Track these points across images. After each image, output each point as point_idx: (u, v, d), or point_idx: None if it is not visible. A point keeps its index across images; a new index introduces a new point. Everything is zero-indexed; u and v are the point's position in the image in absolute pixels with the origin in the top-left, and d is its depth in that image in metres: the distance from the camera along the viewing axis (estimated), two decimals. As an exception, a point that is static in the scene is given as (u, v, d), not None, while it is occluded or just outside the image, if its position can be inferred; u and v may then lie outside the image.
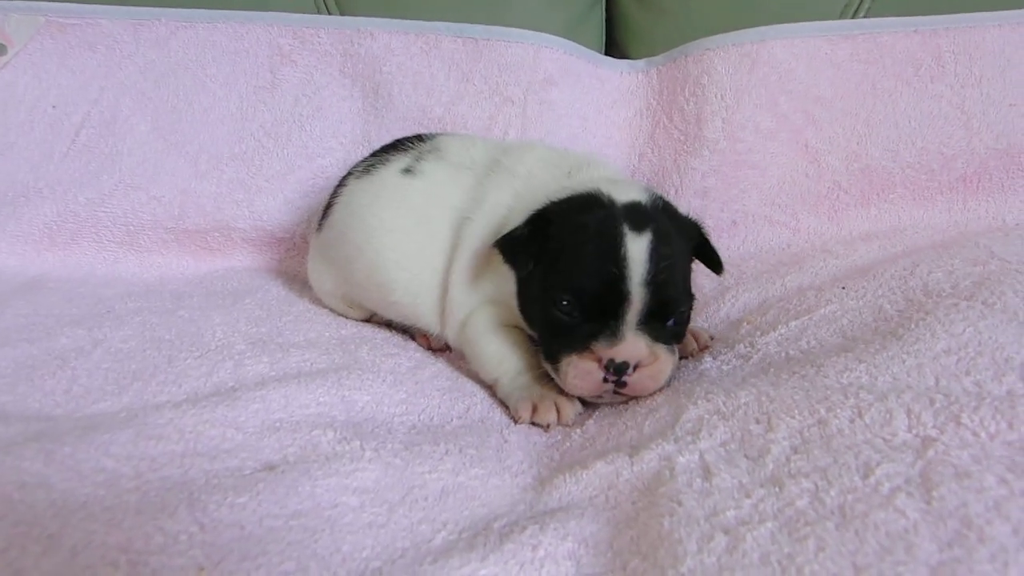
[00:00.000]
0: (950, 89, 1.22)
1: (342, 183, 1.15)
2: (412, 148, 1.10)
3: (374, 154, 1.15)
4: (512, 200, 0.98)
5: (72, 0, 1.37)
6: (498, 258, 0.91)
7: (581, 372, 0.83)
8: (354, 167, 1.15)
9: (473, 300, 0.98)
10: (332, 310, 1.17)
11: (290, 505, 0.61)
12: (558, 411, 0.85)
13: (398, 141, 1.14)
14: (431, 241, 1.01)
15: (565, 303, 0.83)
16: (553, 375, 0.87)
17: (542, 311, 0.87)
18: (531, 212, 0.90)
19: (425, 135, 1.13)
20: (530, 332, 0.94)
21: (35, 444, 0.67)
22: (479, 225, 0.98)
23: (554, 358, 0.85)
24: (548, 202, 0.90)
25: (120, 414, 0.76)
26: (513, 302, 0.93)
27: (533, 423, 0.85)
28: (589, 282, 0.83)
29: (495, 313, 0.97)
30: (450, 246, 1.00)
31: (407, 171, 1.06)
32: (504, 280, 0.94)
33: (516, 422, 0.86)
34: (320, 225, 1.17)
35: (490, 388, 0.95)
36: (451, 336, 1.01)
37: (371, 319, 1.15)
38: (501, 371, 0.93)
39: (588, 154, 1.06)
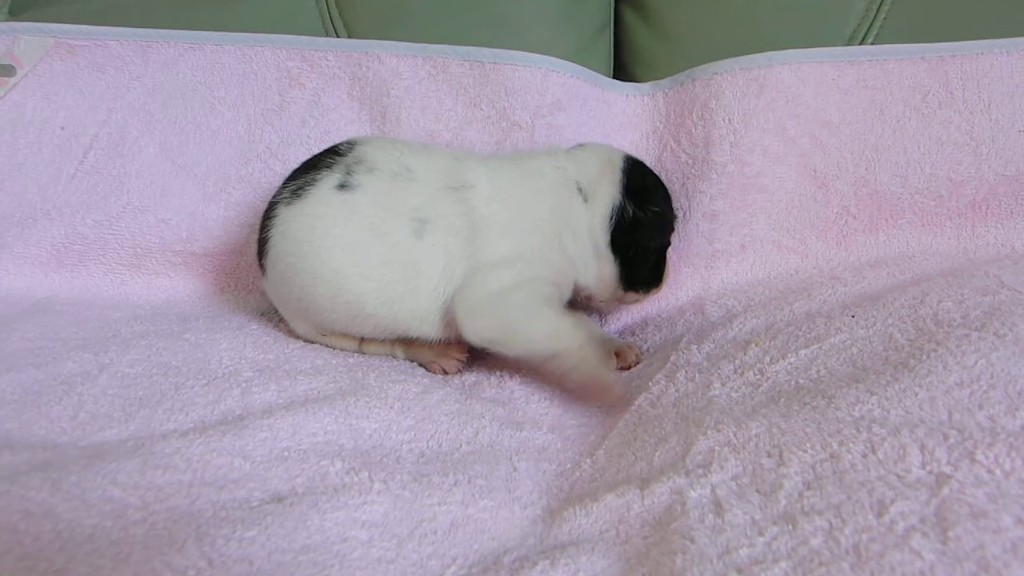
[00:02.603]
0: (958, 115, 1.21)
1: (270, 215, 1.08)
2: (334, 163, 1.06)
3: (293, 178, 1.08)
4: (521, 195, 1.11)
5: (81, 22, 1.37)
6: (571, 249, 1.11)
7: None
8: (277, 196, 1.09)
9: (511, 277, 1.01)
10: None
11: (299, 539, 0.61)
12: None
13: (313, 160, 1.09)
14: (398, 249, 1.01)
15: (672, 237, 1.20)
16: (654, 291, 1.19)
17: (657, 256, 1.17)
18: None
19: (340, 149, 1.08)
20: (605, 299, 1.18)
21: (41, 473, 0.67)
22: (509, 232, 1.05)
23: (661, 275, 1.19)
24: (621, 186, 1.13)
25: (127, 442, 0.76)
26: (599, 285, 1.15)
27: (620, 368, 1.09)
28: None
29: (544, 290, 1.03)
30: (439, 249, 1.02)
31: (343, 187, 1.03)
32: (568, 263, 1.11)
33: (617, 368, 1.09)
34: (263, 267, 1.11)
35: (502, 407, 0.95)
36: (475, 322, 0.99)
37: (361, 346, 1.11)
38: (568, 340, 0.97)
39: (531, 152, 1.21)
